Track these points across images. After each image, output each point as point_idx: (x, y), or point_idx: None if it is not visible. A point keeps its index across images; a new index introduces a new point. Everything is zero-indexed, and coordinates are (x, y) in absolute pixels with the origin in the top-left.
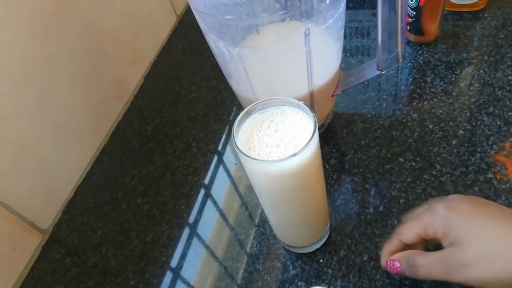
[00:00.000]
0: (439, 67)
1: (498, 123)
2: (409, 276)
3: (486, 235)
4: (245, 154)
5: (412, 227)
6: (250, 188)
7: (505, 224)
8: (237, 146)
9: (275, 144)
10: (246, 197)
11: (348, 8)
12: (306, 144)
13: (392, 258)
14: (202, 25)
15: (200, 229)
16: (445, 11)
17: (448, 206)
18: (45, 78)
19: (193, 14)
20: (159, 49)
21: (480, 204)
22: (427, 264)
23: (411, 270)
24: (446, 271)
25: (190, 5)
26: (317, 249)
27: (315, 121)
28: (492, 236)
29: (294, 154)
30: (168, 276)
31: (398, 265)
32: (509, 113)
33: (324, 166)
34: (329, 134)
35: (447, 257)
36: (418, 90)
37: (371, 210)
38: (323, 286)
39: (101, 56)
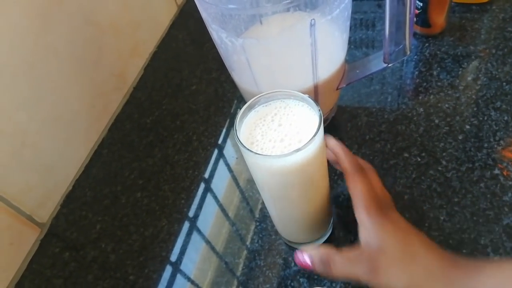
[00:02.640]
0: (446, 60)
1: (506, 118)
2: (322, 274)
3: (409, 255)
4: (248, 149)
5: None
6: (251, 182)
7: (427, 255)
8: (240, 140)
9: (279, 138)
10: (247, 192)
11: None
12: (311, 138)
13: (304, 251)
14: (204, 15)
15: (200, 224)
16: (453, 3)
17: (384, 213)
18: (43, 70)
19: (195, 4)
20: (159, 40)
21: (410, 228)
22: (343, 262)
23: (324, 268)
24: (363, 270)
25: None
26: (319, 245)
27: (320, 115)
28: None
29: (299, 149)
30: (168, 271)
31: (309, 260)
32: None
33: (328, 161)
34: (332, 128)
35: (367, 255)
36: (424, 84)
37: None
38: (323, 285)
39: (100, 47)
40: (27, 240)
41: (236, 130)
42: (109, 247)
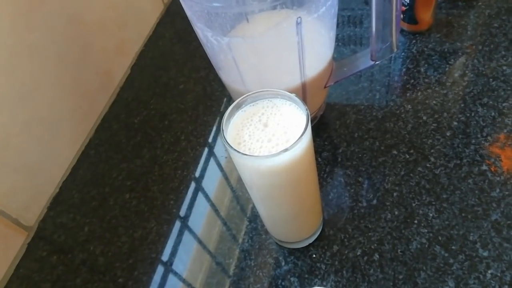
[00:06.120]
0: (433, 57)
1: (493, 114)
2: None
3: None
4: (235, 149)
5: None
6: (241, 182)
7: None
8: (227, 141)
9: (266, 138)
10: (237, 191)
11: None
12: (299, 138)
13: None
14: (189, 13)
15: (190, 225)
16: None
17: None
18: (27, 70)
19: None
20: (146, 38)
21: None
22: None
23: None
24: None
25: None
26: (309, 244)
27: (307, 114)
28: None
29: (286, 149)
30: (158, 273)
31: None
32: (504, 104)
33: (316, 159)
34: (321, 127)
35: None
36: (412, 81)
37: (364, 203)
38: (314, 285)
39: (85, 46)
40: (14, 244)
41: (223, 130)
42: (97, 250)
